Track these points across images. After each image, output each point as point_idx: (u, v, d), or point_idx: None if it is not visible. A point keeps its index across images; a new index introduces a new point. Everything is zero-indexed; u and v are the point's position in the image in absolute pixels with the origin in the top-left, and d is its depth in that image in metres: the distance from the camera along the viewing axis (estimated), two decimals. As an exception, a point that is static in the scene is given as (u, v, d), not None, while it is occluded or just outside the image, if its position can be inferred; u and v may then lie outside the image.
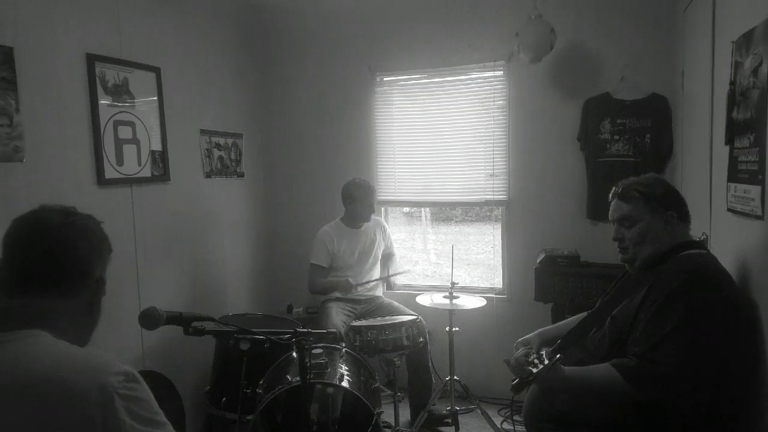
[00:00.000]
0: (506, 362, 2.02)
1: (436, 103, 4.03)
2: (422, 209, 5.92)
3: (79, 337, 1.19)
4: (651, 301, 1.84)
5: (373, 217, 3.79)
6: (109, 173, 2.91)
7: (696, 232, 2.27)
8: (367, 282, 3.71)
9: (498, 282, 4.10)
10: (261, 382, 2.70)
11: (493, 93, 3.85)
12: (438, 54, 3.94)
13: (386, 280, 3.99)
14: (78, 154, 2.77)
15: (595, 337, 2.08)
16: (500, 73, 3.82)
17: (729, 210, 2.09)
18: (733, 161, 2.05)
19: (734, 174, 2.03)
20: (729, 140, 2.08)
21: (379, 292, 3.86)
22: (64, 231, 1.17)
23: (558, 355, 1.89)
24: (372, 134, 4.20)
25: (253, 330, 1.82)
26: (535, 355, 1.96)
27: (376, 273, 3.86)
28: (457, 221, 7.33)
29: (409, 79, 4.12)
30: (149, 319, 1.55)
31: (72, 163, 2.73)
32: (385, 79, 4.14)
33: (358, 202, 3.68)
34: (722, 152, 2.16)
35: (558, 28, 3.35)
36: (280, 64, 4.36)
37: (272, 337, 1.86)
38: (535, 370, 1.85)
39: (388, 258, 3.99)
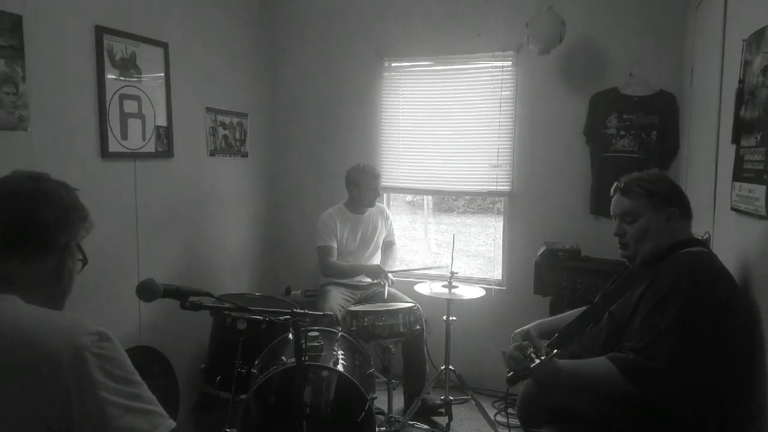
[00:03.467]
0: (503, 353, 2.01)
1: (443, 90, 4.01)
2: (424, 198, 5.90)
3: (49, 302, 1.19)
4: (649, 297, 1.83)
5: (376, 203, 3.78)
6: (113, 147, 2.90)
7: (699, 230, 2.26)
8: (400, 271, 3.70)
9: (497, 274, 4.10)
10: (256, 362, 2.71)
11: (501, 83, 3.82)
12: (447, 41, 3.91)
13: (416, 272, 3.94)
14: (83, 126, 2.76)
15: (592, 332, 2.07)
16: (509, 63, 3.79)
17: (733, 209, 2.07)
18: (738, 160, 2.03)
19: (740, 173, 2.02)
20: (735, 139, 2.06)
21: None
22: (30, 197, 1.16)
23: (555, 351, 1.88)
24: (377, 119, 4.18)
25: (250, 308, 1.81)
26: (531, 349, 1.95)
27: (376, 261, 3.86)
28: (458, 212, 7.31)
29: (417, 66, 4.09)
30: (147, 290, 1.55)
31: (76, 134, 2.72)
32: (392, 64, 4.11)
33: (362, 188, 3.66)
34: (728, 151, 2.15)
35: (568, 21, 3.33)
36: (288, 46, 4.33)
37: (269, 317, 1.86)
38: (531, 365, 1.84)
39: (388, 246, 3.98)
